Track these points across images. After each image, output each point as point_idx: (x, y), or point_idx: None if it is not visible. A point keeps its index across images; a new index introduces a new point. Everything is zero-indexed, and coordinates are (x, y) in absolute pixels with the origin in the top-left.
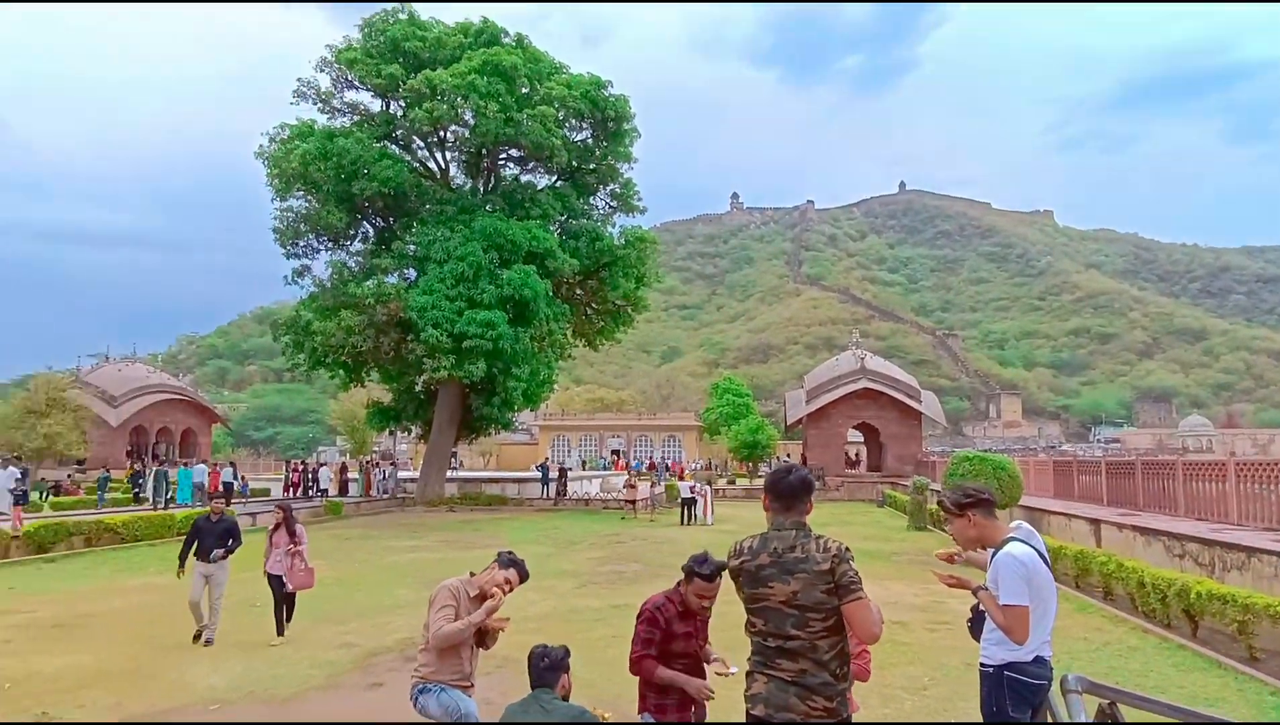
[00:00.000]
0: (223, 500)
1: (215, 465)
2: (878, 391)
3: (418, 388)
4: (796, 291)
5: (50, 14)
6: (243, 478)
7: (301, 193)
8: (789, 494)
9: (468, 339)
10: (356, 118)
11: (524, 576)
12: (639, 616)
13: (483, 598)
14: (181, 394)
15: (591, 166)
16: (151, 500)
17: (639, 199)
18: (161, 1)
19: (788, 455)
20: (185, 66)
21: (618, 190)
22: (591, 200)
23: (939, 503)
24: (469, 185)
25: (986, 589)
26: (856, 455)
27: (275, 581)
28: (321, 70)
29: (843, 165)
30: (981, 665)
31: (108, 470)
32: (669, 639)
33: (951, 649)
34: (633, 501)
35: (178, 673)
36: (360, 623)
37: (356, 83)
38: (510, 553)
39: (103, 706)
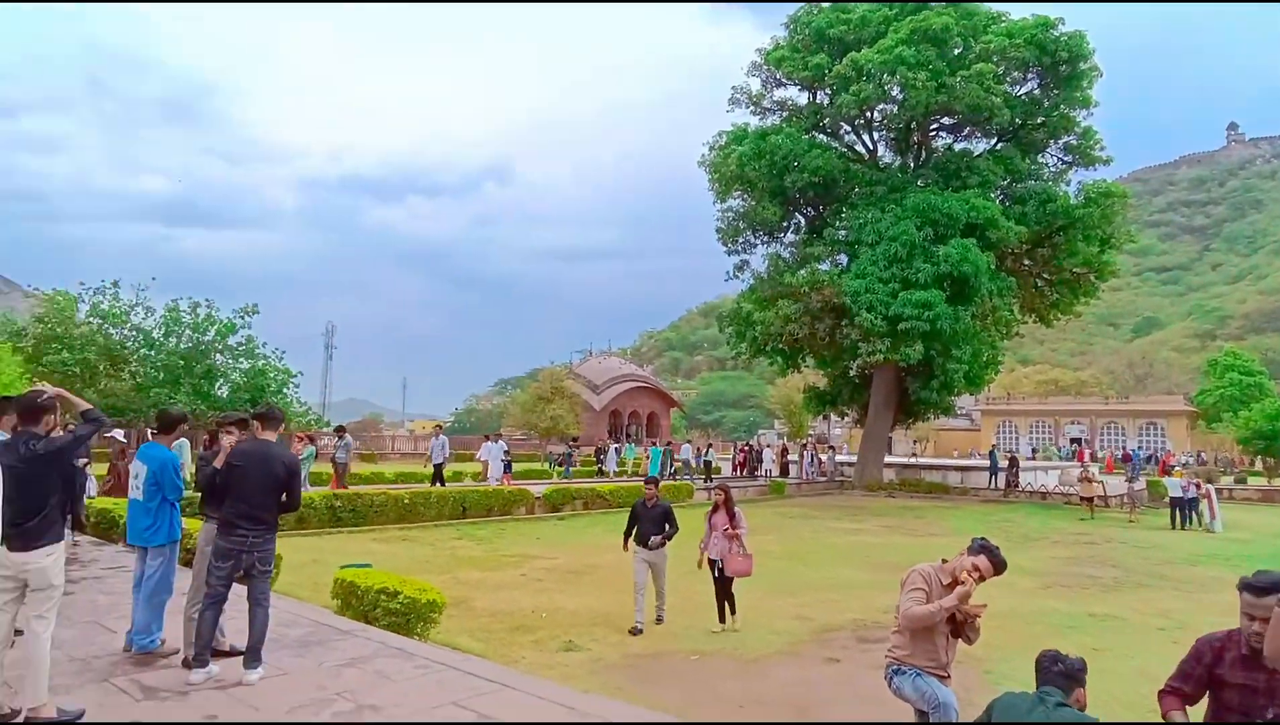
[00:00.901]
0: (655, 485)
1: (671, 444)
2: None
3: (852, 372)
4: None
5: (543, 74)
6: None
7: (739, 193)
8: None
9: (903, 321)
10: (785, 114)
11: (997, 565)
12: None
13: (955, 584)
14: (646, 382)
15: (1039, 120)
16: (662, 474)
17: (1101, 148)
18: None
19: None
20: (638, 99)
21: (1074, 142)
22: (1040, 158)
23: None
24: (898, 162)
25: None
26: None
27: (714, 566)
28: (752, 74)
29: None
30: None
31: (569, 448)
32: (1214, 682)
33: None
34: (1089, 498)
35: (663, 624)
36: (811, 597)
37: (784, 79)
38: (983, 539)
39: (610, 642)
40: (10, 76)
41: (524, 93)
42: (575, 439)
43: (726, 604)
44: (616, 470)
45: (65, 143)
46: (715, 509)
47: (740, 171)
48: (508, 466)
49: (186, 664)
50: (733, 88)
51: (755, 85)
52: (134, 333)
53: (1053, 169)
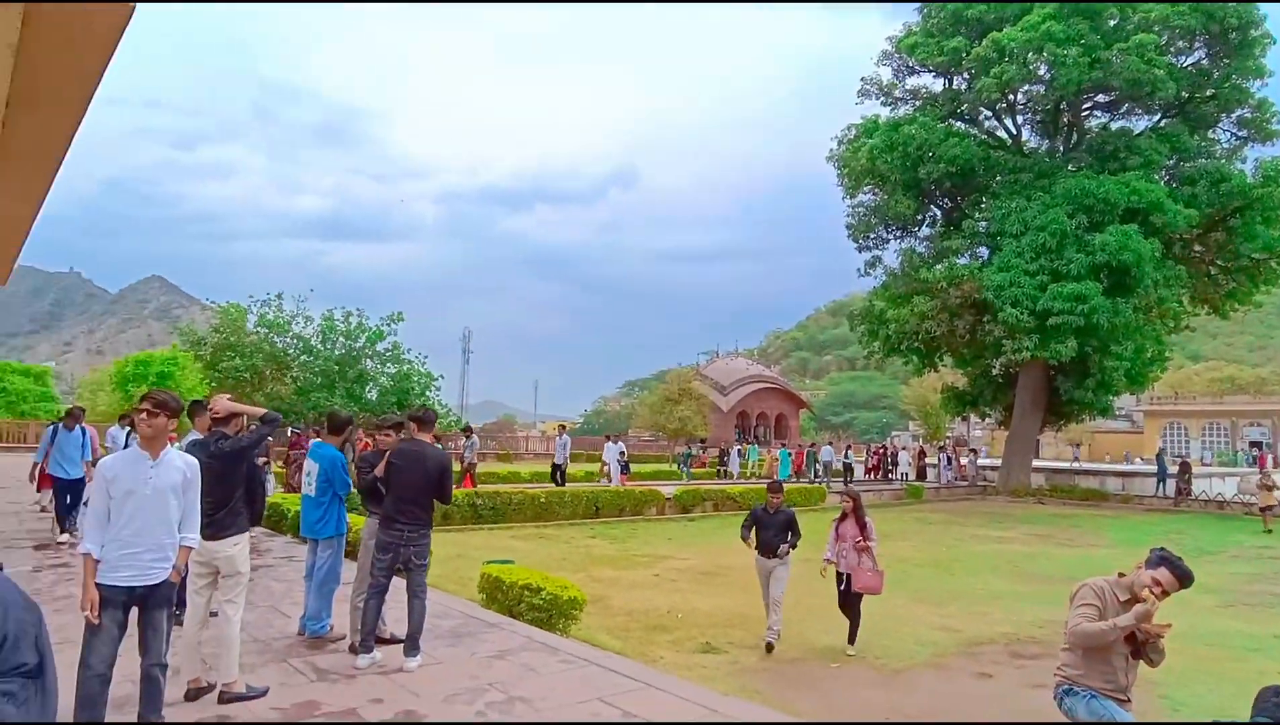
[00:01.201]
0: (781, 493)
1: (813, 446)
2: None
3: (995, 371)
4: None
5: (664, 78)
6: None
7: (870, 187)
8: None
9: (1053, 316)
10: (919, 102)
11: (1180, 578)
12: None
13: (1134, 601)
14: (774, 383)
15: (1208, 93)
16: (810, 476)
17: (1279, 121)
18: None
19: None
20: (761, 97)
21: (1248, 115)
22: (1211, 134)
23: None
24: (1045, 146)
25: None
26: None
27: (841, 580)
28: (882, 64)
29: None
30: None
31: (689, 448)
32: None
33: None
34: (1269, 508)
35: (798, 629)
36: (957, 607)
37: (917, 66)
38: (1163, 550)
39: (746, 645)
40: (190, 112)
41: (646, 98)
42: (703, 440)
43: (850, 625)
44: (739, 472)
45: (235, 168)
46: (843, 518)
47: (871, 165)
48: (624, 467)
49: (353, 649)
50: (862, 79)
51: (886, 75)
52: (295, 340)
53: (1225, 146)
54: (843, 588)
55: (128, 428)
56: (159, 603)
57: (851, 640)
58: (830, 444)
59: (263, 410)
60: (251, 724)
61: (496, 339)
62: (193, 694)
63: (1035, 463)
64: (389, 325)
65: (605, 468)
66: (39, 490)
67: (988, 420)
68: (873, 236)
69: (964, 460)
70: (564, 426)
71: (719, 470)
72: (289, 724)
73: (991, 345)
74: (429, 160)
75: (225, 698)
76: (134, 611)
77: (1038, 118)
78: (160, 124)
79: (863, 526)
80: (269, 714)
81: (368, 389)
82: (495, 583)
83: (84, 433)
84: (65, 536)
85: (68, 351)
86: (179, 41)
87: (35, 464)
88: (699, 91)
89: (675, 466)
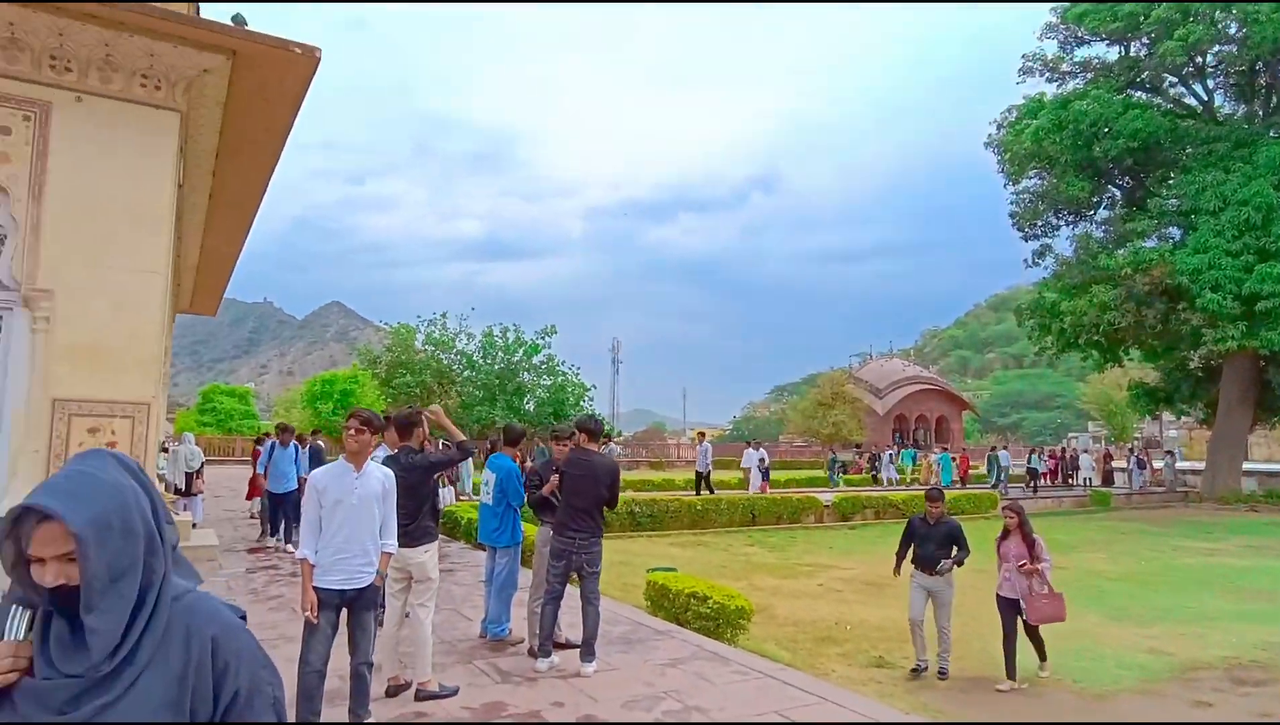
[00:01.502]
0: (941, 502)
1: (993, 449)
2: None
3: (1193, 364)
4: None
5: (804, 77)
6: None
7: (1036, 171)
8: None
9: (1262, 300)
10: (1090, 75)
11: None
12: None
13: None
14: (934, 384)
15: None
16: (991, 481)
17: None
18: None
19: None
20: (906, 88)
21: None
22: None
23: None
24: (1241, 112)
25: None
26: None
27: (1006, 607)
28: (1047, 37)
29: None
30: None
31: (834, 453)
32: None
33: None
34: None
35: (979, 644)
36: (1166, 628)
37: (1087, 36)
38: None
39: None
40: (360, 151)
41: (786, 99)
42: (858, 445)
43: (1036, 645)
44: (896, 478)
45: (400, 200)
46: (1005, 535)
47: (1037, 147)
48: (765, 474)
49: (531, 653)
50: (1023, 56)
51: (1051, 49)
52: (458, 356)
53: None
54: (1014, 619)
55: (295, 447)
56: (366, 604)
57: (1042, 660)
58: (1005, 448)
59: (463, 436)
60: (447, 723)
61: (645, 348)
62: (392, 690)
63: (1245, 465)
64: (543, 338)
65: (746, 474)
66: (249, 499)
67: (1184, 419)
68: (1040, 223)
69: (1159, 463)
70: (703, 434)
71: (872, 476)
72: (480, 724)
73: (1188, 335)
74: (575, 178)
75: (421, 695)
76: (343, 613)
77: (1231, 81)
78: (336, 164)
79: (1030, 544)
80: (461, 713)
81: (525, 401)
82: (661, 590)
83: (296, 449)
84: (273, 540)
85: (264, 373)
86: (348, 87)
87: (257, 475)
88: (840, 87)
89: (831, 474)
